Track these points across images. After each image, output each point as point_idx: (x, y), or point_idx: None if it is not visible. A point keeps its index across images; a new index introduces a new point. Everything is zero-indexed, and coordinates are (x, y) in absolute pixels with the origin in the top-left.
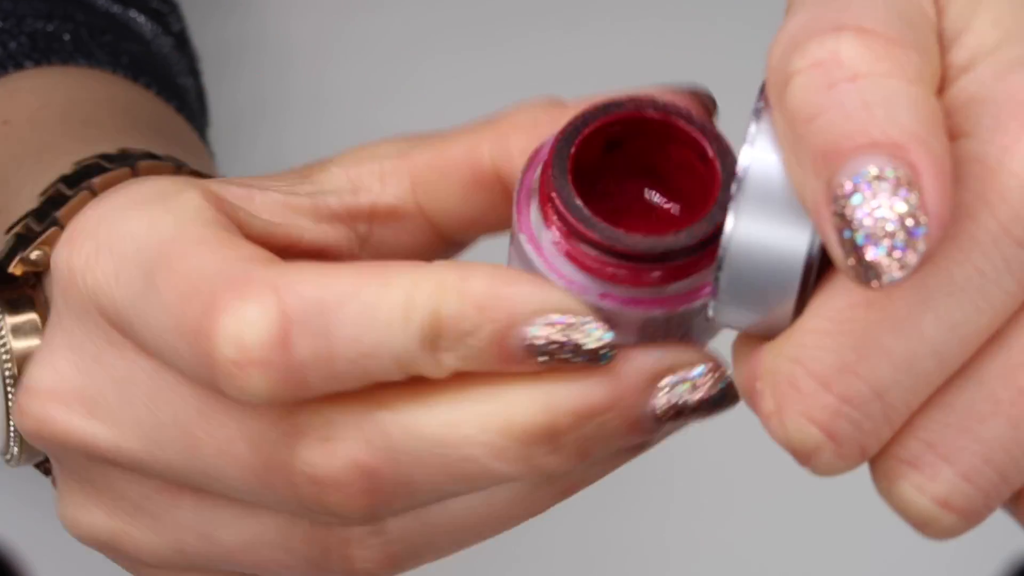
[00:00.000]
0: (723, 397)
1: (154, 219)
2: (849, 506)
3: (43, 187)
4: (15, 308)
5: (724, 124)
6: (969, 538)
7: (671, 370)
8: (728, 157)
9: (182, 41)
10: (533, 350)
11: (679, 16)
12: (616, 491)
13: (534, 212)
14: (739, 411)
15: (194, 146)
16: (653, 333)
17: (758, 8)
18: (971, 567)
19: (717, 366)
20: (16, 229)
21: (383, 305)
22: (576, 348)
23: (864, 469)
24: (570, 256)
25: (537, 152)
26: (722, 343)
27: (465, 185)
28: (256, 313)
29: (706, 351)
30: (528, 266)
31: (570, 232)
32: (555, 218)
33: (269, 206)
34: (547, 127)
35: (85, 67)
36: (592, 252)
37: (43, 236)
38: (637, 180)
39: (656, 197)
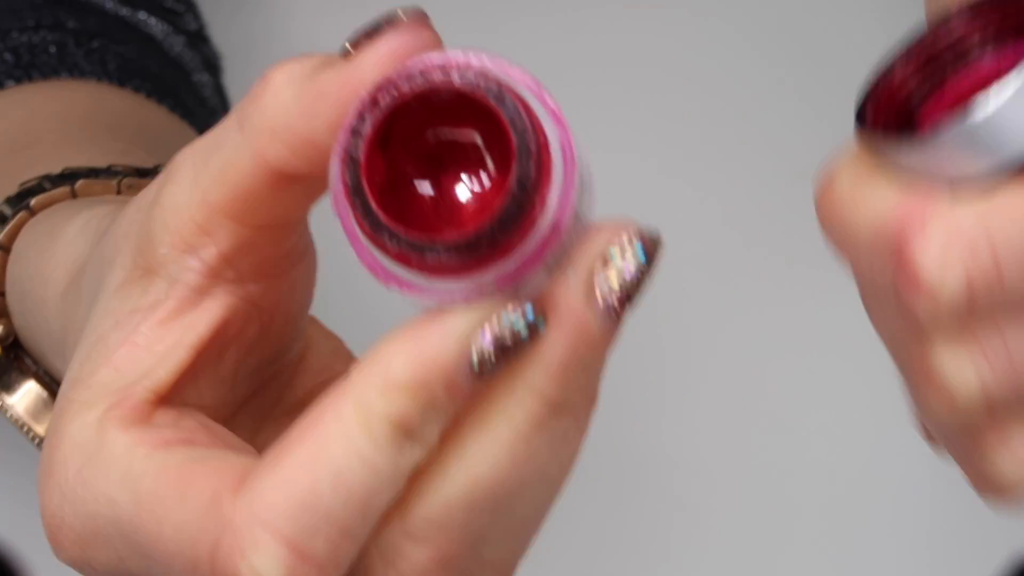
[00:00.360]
0: (646, 254)
1: (106, 490)
2: (851, 508)
3: None
4: (12, 388)
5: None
6: (969, 538)
7: (592, 268)
8: (494, 91)
9: (198, 39)
10: (485, 370)
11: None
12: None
13: (380, 257)
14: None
15: (176, 137)
16: (557, 259)
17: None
18: (971, 567)
19: (633, 232)
20: None
21: (351, 458)
22: (515, 342)
23: (863, 470)
24: (442, 276)
25: (337, 194)
26: None
27: (274, 193)
28: (261, 558)
29: (610, 230)
30: (414, 302)
31: (425, 267)
32: (402, 262)
33: (150, 341)
34: (309, 118)
35: (67, 79)
36: (456, 264)
37: None
38: (426, 130)
39: (454, 136)
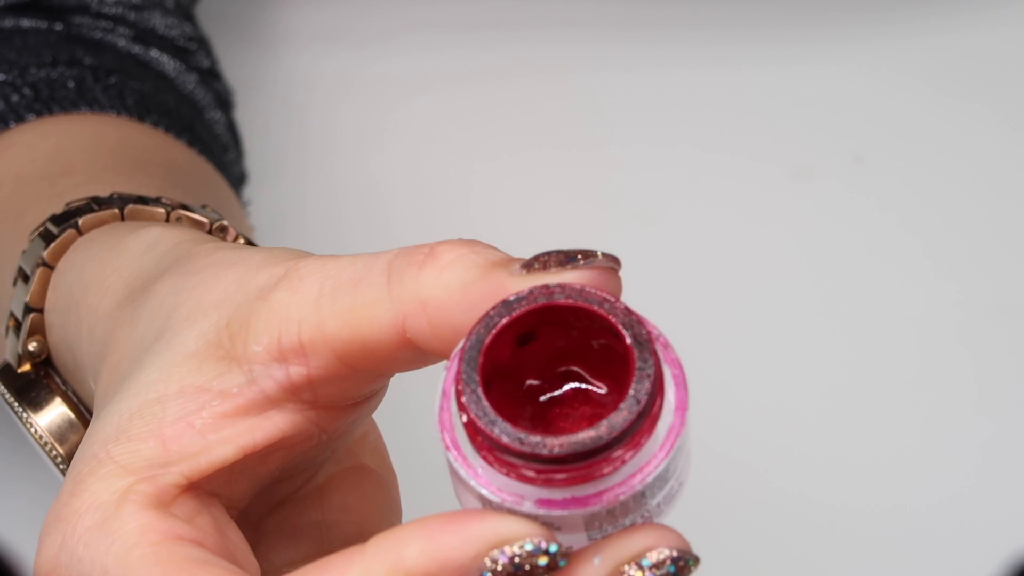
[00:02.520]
0: (676, 572)
1: (104, 561)
2: (850, 507)
3: (19, 255)
4: (39, 405)
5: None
6: (969, 538)
7: (621, 564)
8: (639, 334)
9: (211, 76)
10: None
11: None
12: None
13: (458, 427)
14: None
15: (201, 176)
16: (600, 526)
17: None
18: (971, 567)
19: (676, 549)
20: (8, 324)
21: None
22: (532, 570)
23: (863, 469)
24: (499, 466)
25: (452, 359)
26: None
27: (387, 355)
28: None
29: (656, 535)
30: (460, 481)
31: (492, 446)
32: (476, 435)
33: (207, 428)
34: (467, 310)
35: (87, 113)
36: (519, 461)
37: (28, 321)
38: (561, 364)
39: (582, 379)
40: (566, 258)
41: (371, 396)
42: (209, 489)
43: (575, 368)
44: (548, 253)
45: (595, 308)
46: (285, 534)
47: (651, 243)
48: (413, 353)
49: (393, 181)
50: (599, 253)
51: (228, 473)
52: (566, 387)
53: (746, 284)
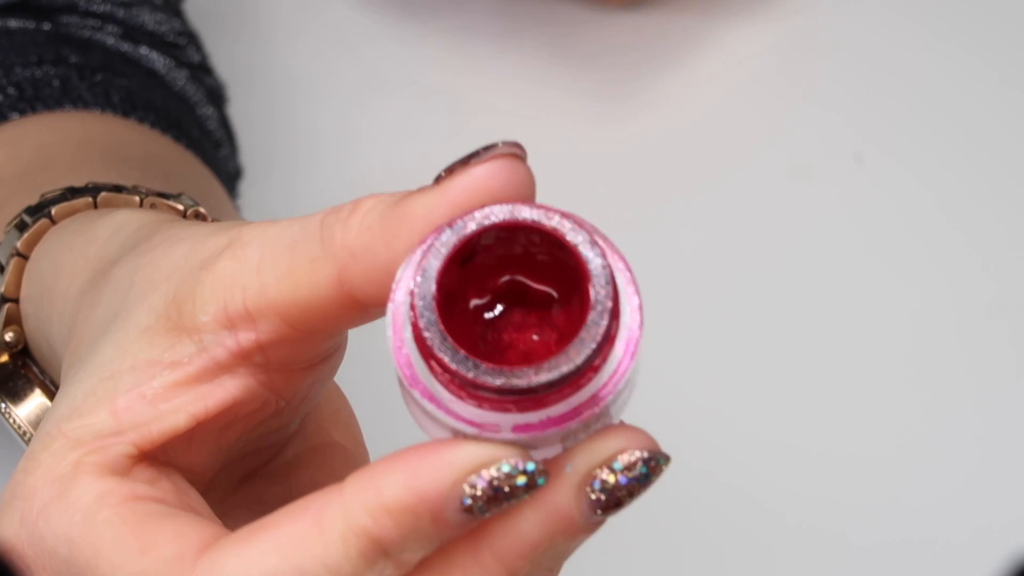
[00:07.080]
0: (648, 473)
1: (67, 531)
2: (850, 506)
3: None
4: (18, 396)
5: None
6: (969, 538)
7: (593, 467)
8: (586, 243)
9: (202, 71)
10: (474, 511)
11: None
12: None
13: (419, 367)
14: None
15: (185, 169)
16: (575, 436)
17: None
18: (971, 567)
19: (647, 449)
20: None
21: (318, 561)
22: (512, 491)
23: (863, 469)
24: (469, 400)
25: (397, 290)
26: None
27: (329, 312)
28: None
29: (626, 437)
30: (429, 417)
31: (463, 385)
32: (444, 376)
33: (158, 397)
34: (390, 242)
35: (71, 110)
36: (489, 395)
37: (4, 312)
38: (502, 275)
39: (525, 286)
40: (468, 157)
41: (325, 359)
42: (166, 459)
43: (518, 277)
44: (452, 163)
45: (533, 222)
46: (251, 509)
47: (648, 241)
48: (354, 307)
49: (386, 174)
50: (499, 143)
51: (185, 442)
52: (510, 299)
53: (744, 283)
